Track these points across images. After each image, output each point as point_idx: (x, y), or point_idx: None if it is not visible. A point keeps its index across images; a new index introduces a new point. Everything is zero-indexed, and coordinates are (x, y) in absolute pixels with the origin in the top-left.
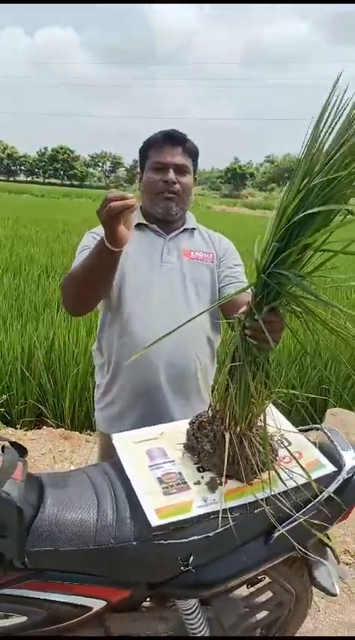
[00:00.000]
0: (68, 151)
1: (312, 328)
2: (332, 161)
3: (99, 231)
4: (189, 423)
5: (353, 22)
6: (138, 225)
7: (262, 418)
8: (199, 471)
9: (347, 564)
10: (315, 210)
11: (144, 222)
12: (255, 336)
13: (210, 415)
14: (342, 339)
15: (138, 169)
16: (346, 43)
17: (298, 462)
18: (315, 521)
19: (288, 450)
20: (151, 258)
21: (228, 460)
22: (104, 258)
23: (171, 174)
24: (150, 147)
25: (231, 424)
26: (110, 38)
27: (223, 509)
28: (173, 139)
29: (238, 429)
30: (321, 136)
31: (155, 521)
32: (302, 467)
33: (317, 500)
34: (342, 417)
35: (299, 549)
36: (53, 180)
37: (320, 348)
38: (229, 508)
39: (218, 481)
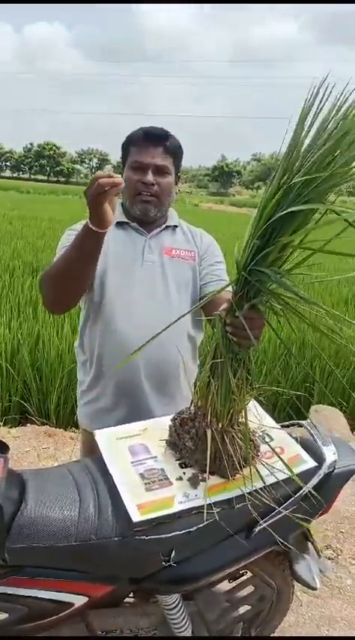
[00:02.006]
0: (54, 147)
1: (293, 325)
2: (312, 159)
3: (78, 227)
4: (171, 420)
5: (342, 23)
6: (120, 224)
7: (243, 414)
8: (181, 467)
9: (329, 559)
10: (296, 208)
11: (126, 220)
12: (236, 332)
13: (192, 412)
14: (324, 335)
15: (121, 166)
16: (335, 43)
17: (280, 457)
18: (296, 516)
19: (270, 446)
20: (132, 257)
21: (210, 456)
22: (88, 242)
23: (150, 177)
24: (130, 143)
25: (213, 420)
26: (99, 35)
27: (204, 505)
28: (154, 137)
29: (220, 425)
30: (302, 134)
31: (136, 517)
32: (284, 462)
33: (298, 494)
34: (326, 413)
35: (281, 543)
36: (39, 177)
37: (305, 345)
38: (211, 503)
39: (200, 477)
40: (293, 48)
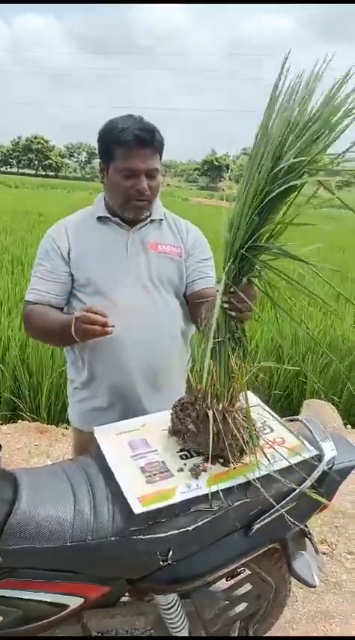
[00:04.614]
0: (43, 141)
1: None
2: (303, 138)
3: (56, 234)
4: (172, 407)
5: (337, 19)
6: (101, 218)
7: (243, 394)
8: (182, 458)
9: (324, 554)
10: (296, 182)
11: (107, 215)
12: (235, 307)
13: (193, 396)
14: (320, 301)
15: (101, 160)
16: (329, 39)
17: (274, 450)
18: (295, 512)
19: (283, 425)
20: (116, 253)
21: (213, 438)
22: (67, 339)
23: (144, 184)
24: (116, 145)
25: (214, 402)
26: (90, 28)
27: (207, 494)
28: (142, 140)
29: (221, 406)
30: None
31: (138, 508)
32: (291, 447)
33: (297, 491)
34: (318, 407)
35: (280, 540)
36: (27, 171)
37: (297, 341)
38: (212, 493)
39: (201, 468)
40: (288, 42)
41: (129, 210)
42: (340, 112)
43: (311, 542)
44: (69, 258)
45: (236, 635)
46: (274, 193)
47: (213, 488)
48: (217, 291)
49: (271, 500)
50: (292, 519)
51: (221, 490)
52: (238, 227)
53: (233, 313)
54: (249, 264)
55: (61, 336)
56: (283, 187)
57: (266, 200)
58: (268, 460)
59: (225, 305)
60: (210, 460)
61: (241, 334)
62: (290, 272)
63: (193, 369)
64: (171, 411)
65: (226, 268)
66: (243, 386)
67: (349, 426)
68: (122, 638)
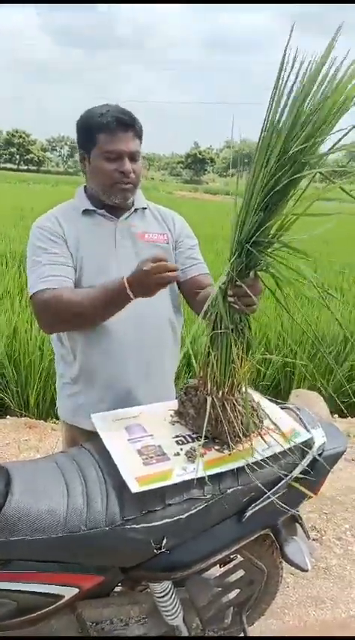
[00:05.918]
0: (24, 135)
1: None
2: (307, 129)
3: (50, 223)
4: (179, 390)
5: (317, 12)
6: (86, 211)
7: (244, 383)
8: (178, 444)
9: (313, 540)
10: (299, 175)
11: (92, 207)
12: (240, 300)
13: (198, 382)
14: (326, 295)
15: (81, 150)
16: (312, 31)
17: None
18: (287, 498)
19: (275, 412)
20: (105, 244)
21: (212, 423)
22: (122, 303)
23: (128, 166)
24: (98, 130)
25: (213, 389)
26: (69, 20)
27: (199, 481)
28: (124, 123)
29: (220, 393)
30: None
31: (135, 488)
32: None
33: (288, 478)
34: (305, 397)
35: (273, 526)
36: (8, 165)
37: (285, 330)
38: (205, 479)
39: (197, 452)
40: (270, 35)
41: (115, 194)
42: (341, 98)
43: (302, 528)
44: (67, 245)
45: (229, 620)
46: (279, 187)
47: (209, 472)
48: (221, 283)
49: (262, 487)
50: (285, 505)
51: (214, 477)
52: (244, 221)
53: (236, 306)
54: (255, 258)
55: (107, 302)
56: (287, 180)
57: (271, 194)
58: (265, 444)
59: (230, 299)
60: (201, 444)
61: (244, 326)
62: (294, 266)
63: (197, 358)
64: (180, 393)
65: (231, 261)
66: (243, 376)
67: (336, 415)
68: (119, 639)
